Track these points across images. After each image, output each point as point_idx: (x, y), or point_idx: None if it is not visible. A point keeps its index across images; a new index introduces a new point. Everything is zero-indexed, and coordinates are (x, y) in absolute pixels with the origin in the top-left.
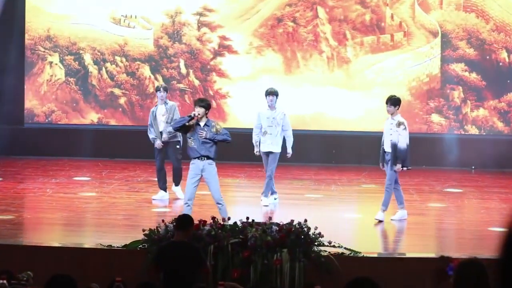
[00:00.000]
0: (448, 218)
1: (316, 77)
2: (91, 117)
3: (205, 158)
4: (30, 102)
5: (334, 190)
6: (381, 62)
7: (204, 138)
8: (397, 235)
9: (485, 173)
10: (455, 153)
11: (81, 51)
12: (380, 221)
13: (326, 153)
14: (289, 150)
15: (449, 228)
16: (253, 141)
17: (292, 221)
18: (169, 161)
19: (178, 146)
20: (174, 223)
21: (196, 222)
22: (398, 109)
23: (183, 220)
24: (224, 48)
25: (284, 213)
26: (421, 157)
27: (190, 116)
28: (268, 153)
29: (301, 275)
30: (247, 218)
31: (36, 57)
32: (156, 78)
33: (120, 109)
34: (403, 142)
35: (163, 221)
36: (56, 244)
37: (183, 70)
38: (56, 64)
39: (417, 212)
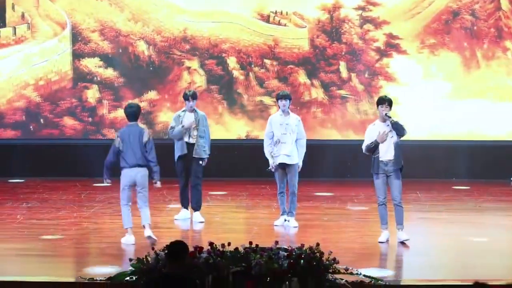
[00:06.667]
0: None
1: (499, 80)
2: (238, 130)
3: None
4: (165, 115)
5: (350, 208)
6: None
7: None
8: (423, 260)
9: None
10: None
11: (223, 54)
12: (405, 241)
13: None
14: (300, 163)
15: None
16: (266, 153)
17: (303, 245)
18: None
19: (201, 162)
20: (165, 252)
21: (191, 249)
22: None
23: (175, 249)
24: (391, 47)
25: (293, 237)
26: None
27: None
28: (283, 166)
29: None
30: (250, 243)
31: (171, 62)
32: (312, 84)
33: None
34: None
35: (153, 248)
36: (28, 278)
37: (344, 74)
38: (195, 69)
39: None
